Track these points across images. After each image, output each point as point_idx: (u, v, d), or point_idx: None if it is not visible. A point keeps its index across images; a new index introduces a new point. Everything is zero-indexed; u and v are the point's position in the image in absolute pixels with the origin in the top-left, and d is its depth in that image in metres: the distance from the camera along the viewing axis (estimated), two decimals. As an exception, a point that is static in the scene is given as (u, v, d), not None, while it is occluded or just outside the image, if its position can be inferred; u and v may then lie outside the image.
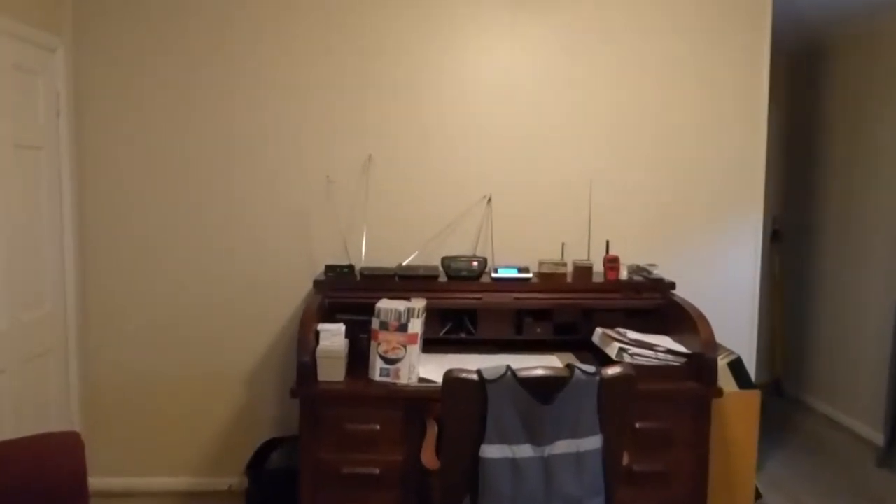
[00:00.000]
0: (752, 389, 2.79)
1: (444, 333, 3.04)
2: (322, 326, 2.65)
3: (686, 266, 3.39)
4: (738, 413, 2.79)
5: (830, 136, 4.75)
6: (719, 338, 2.66)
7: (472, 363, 2.72)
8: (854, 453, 4.08)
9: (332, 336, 2.63)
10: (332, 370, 2.60)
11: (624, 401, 2.03)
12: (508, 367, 1.94)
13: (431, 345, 2.90)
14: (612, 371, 1.99)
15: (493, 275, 2.99)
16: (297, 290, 3.33)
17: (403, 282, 2.96)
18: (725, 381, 2.78)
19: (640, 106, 3.35)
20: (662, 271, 3.07)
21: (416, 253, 3.27)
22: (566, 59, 3.31)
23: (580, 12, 3.29)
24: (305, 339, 2.58)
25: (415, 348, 2.58)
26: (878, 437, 4.07)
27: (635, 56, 3.32)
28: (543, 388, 1.94)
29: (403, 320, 2.56)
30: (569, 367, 1.97)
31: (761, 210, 3.43)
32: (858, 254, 4.41)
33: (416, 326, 2.57)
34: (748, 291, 3.43)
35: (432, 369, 2.65)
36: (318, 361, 2.59)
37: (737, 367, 2.80)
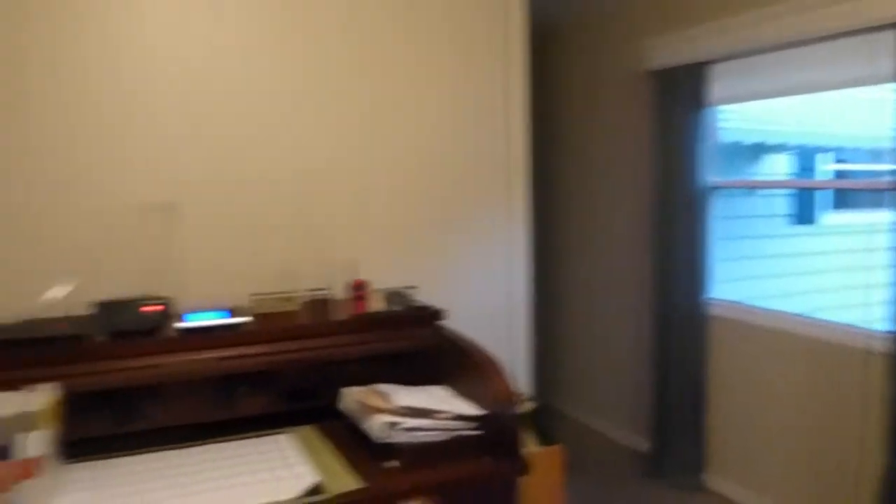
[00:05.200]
0: (554, 444, 2.14)
1: (112, 424, 1.89)
2: None
3: (443, 283, 2.66)
4: (539, 475, 2.10)
5: (566, 121, 4.42)
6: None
7: (151, 474, 1.70)
8: (620, 465, 3.76)
9: None
10: None
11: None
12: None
13: (87, 446, 1.77)
14: None
15: (180, 325, 1.92)
16: None
17: (22, 351, 1.75)
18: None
19: (382, 94, 2.53)
20: (424, 294, 2.30)
21: (59, 293, 2.06)
22: (277, 29, 2.36)
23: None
24: None
25: (38, 482, 1.44)
26: (643, 444, 3.81)
27: (367, 33, 2.49)
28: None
29: (4, 439, 1.40)
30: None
31: (525, 206, 2.83)
32: (603, 246, 4.14)
33: (34, 446, 1.43)
34: (519, 301, 2.81)
35: (85, 499, 1.53)
36: None
37: (536, 417, 2.12)
